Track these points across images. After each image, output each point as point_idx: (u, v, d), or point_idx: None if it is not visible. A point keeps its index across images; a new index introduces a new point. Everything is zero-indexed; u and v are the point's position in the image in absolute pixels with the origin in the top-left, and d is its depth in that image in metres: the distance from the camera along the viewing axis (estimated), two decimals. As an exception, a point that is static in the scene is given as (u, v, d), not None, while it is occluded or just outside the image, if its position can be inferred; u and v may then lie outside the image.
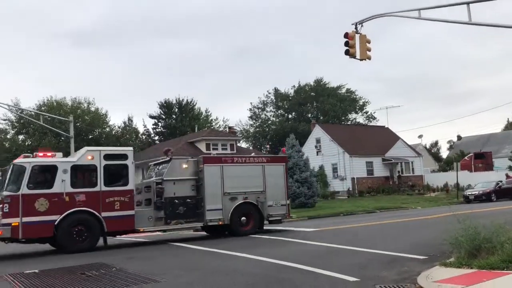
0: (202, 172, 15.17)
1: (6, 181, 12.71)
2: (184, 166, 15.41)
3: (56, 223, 12.55)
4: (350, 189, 41.72)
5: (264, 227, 16.34)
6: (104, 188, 13.40)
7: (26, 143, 43.12)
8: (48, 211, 12.54)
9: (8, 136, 45.45)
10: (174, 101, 57.54)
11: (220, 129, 53.55)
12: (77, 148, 24.38)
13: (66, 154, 18.24)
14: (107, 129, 47.70)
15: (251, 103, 75.51)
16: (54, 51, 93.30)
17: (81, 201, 13.01)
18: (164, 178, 14.85)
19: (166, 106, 57.61)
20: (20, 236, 12.32)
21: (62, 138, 34.62)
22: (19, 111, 38.14)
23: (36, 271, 9.58)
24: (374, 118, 67.51)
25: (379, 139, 46.13)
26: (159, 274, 8.46)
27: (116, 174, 13.83)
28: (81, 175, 13.42)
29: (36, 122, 31.94)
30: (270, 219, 16.18)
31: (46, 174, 12.93)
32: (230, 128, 47.86)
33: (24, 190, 12.41)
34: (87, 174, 13.48)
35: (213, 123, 60.20)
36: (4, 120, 44.48)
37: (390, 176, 44.41)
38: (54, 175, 12.83)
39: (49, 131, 33.66)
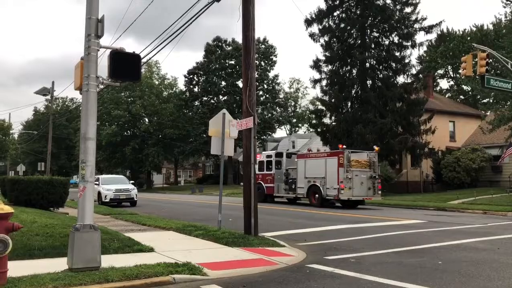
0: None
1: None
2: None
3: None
4: None
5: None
6: (264, 172, 27.34)
7: None
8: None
9: None
10: None
11: None
12: None
13: None
14: None
15: None
16: None
17: (258, 178, 26.74)
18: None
19: None
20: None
21: None
22: None
23: None
24: None
25: None
26: None
27: (269, 165, 27.77)
28: (260, 165, 27.04)
29: None
30: None
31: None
32: None
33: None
34: (261, 165, 27.15)
35: None
36: None
37: None
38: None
39: None
